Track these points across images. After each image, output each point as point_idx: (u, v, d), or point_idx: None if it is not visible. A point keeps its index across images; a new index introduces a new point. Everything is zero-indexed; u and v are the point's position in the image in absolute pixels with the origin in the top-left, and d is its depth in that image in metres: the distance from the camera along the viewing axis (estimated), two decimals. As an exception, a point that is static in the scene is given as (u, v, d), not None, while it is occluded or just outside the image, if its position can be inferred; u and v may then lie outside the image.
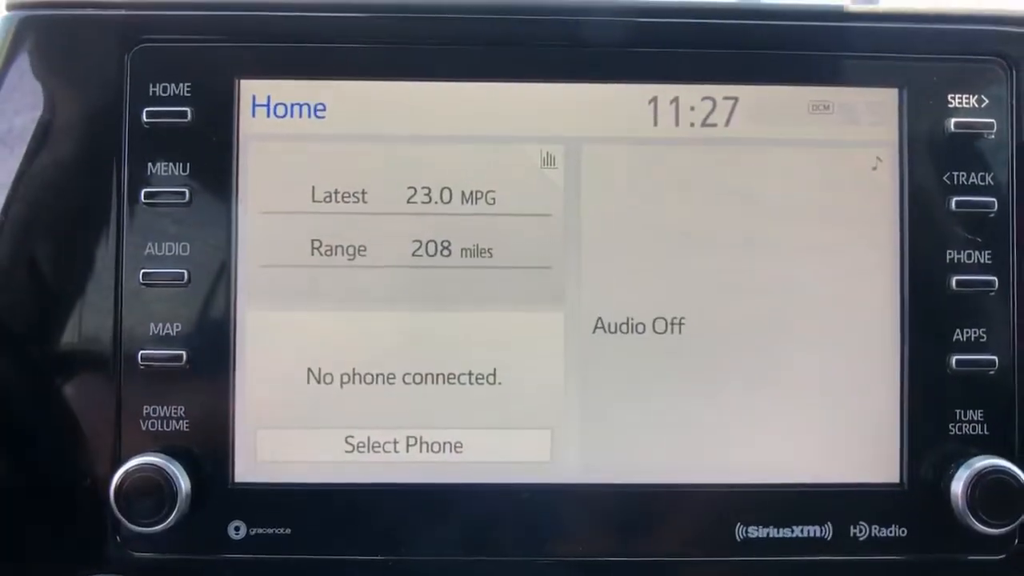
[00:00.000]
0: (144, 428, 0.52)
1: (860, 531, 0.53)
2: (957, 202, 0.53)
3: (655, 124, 0.54)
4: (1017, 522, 0.50)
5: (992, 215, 0.53)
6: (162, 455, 0.50)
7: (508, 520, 0.52)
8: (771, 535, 0.52)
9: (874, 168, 0.54)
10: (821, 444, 0.53)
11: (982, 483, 0.50)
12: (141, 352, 0.52)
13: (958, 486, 0.51)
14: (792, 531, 0.53)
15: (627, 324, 0.53)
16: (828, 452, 0.53)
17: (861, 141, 0.54)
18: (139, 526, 0.49)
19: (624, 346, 0.53)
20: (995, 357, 0.53)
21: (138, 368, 0.52)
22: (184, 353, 0.52)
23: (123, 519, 0.49)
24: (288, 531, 0.52)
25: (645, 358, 0.53)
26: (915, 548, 0.53)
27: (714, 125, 0.54)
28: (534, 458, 0.53)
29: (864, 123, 0.54)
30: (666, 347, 0.53)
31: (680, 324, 0.53)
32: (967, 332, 0.53)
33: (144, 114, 0.52)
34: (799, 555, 0.52)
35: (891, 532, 0.53)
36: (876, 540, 0.53)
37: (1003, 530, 0.50)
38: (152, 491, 0.49)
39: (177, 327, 0.52)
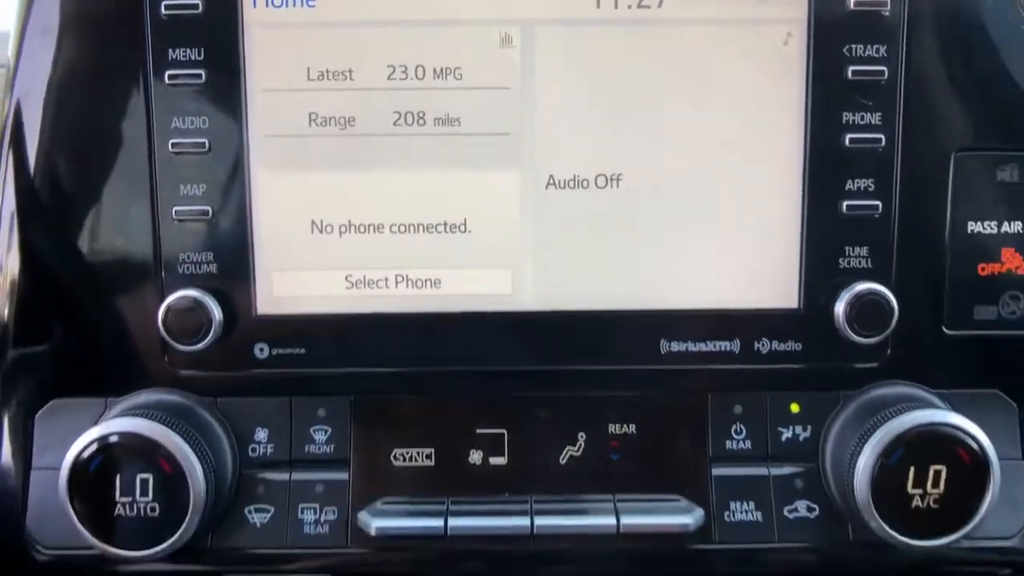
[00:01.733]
0: (181, 271, 0.64)
1: (763, 346, 0.65)
2: (853, 71, 0.62)
3: (598, 7, 0.63)
4: (886, 333, 0.63)
5: (883, 82, 0.63)
6: (197, 290, 0.63)
7: (478, 340, 0.65)
8: (689, 349, 0.65)
9: (785, 43, 0.63)
10: (734, 276, 0.65)
11: (859, 303, 0.62)
12: (175, 208, 0.63)
13: (840, 306, 0.63)
14: (707, 345, 0.65)
15: (574, 180, 0.64)
16: (739, 282, 0.65)
17: (774, 18, 0.63)
18: (183, 345, 0.62)
19: (572, 199, 0.64)
20: (879, 203, 0.63)
21: (172, 221, 0.63)
22: (209, 208, 0.63)
23: (171, 340, 0.62)
24: (302, 351, 0.65)
25: (589, 208, 0.64)
26: (807, 359, 0.65)
27: (648, 7, 0.62)
28: (498, 291, 0.65)
29: (776, 2, 0.63)
30: (606, 199, 0.64)
31: (618, 179, 0.64)
32: (857, 182, 0.64)
33: (162, 7, 0.62)
34: (711, 364, 0.65)
35: (788, 347, 0.65)
36: (776, 353, 0.65)
37: (875, 340, 0.63)
38: (192, 317, 0.62)
39: (202, 187, 0.63)
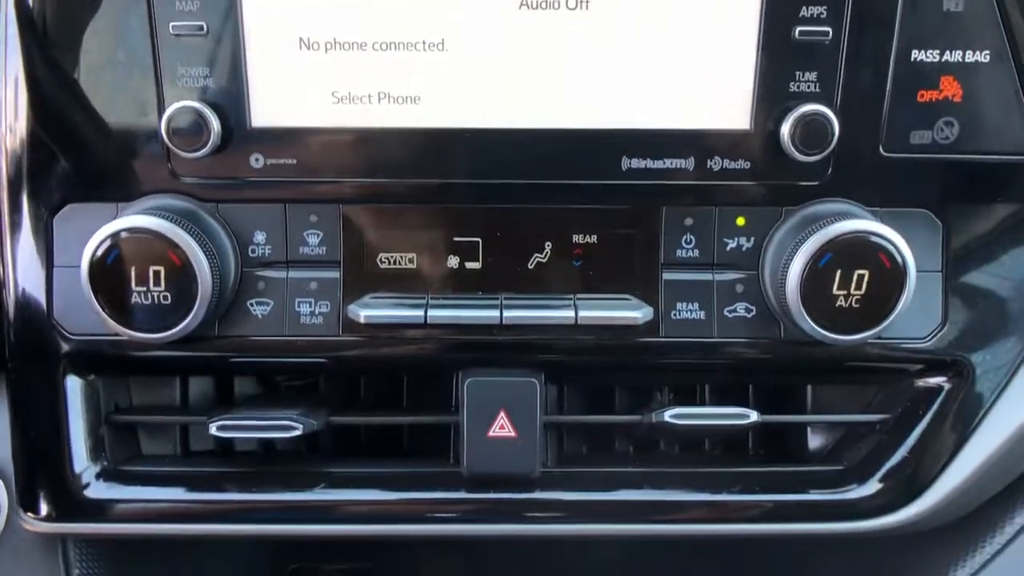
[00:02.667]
0: (179, 85, 0.69)
1: (715, 164, 0.71)
2: None
3: None
4: (826, 152, 0.69)
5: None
6: (196, 102, 0.68)
7: (454, 155, 0.71)
8: (648, 166, 0.71)
9: None
10: (691, 98, 0.70)
11: (803, 122, 0.68)
12: (171, 24, 0.67)
13: (786, 127, 0.68)
14: (664, 163, 0.71)
15: (546, 2, 0.68)
16: (696, 104, 0.70)
17: None
18: (185, 153, 0.68)
19: (543, 19, 0.68)
20: (830, 29, 0.68)
21: (170, 36, 0.67)
22: (204, 24, 0.67)
23: (173, 148, 0.68)
24: (294, 161, 0.71)
25: (560, 28, 0.68)
26: (755, 177, 0.71)
27: None
28: (477, 108, 0.70)
29: None
30: (576, 20, 0.68)
31: (587, 2, 0.68)
32: (811, 9, 0.67)
33: None
34: (667, 180, 0.71)
35: (738, 165, 0.71)
36: (726, 171, 0.71)
37: (816, 158, 0.69)
38: (192, 126, 0.67)
39: (196, 3, 0.66)
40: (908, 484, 0.75)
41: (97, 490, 0.75)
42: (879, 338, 0.73)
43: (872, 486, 0.75)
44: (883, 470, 0.75)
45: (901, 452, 0.75)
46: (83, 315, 0.72)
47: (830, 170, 0.71)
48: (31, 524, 0.75)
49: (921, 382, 0.77)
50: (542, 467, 0.75)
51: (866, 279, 0.69)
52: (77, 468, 0.74)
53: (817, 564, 0.89)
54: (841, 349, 0.74)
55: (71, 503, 0.74)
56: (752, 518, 0.75)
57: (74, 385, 0.75)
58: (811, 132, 0.68)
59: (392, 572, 1.00)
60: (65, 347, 0.74)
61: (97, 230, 0.68)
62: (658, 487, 0.76)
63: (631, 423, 0.77)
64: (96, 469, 0.75)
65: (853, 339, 0.70)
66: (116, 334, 0.72)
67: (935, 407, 0.76)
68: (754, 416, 0.74)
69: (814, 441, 0.83)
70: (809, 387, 0.82)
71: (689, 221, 0.73)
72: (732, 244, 0.74)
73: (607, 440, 0.86)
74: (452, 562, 1.02)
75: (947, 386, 0.76)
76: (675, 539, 0.79)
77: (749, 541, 0.91)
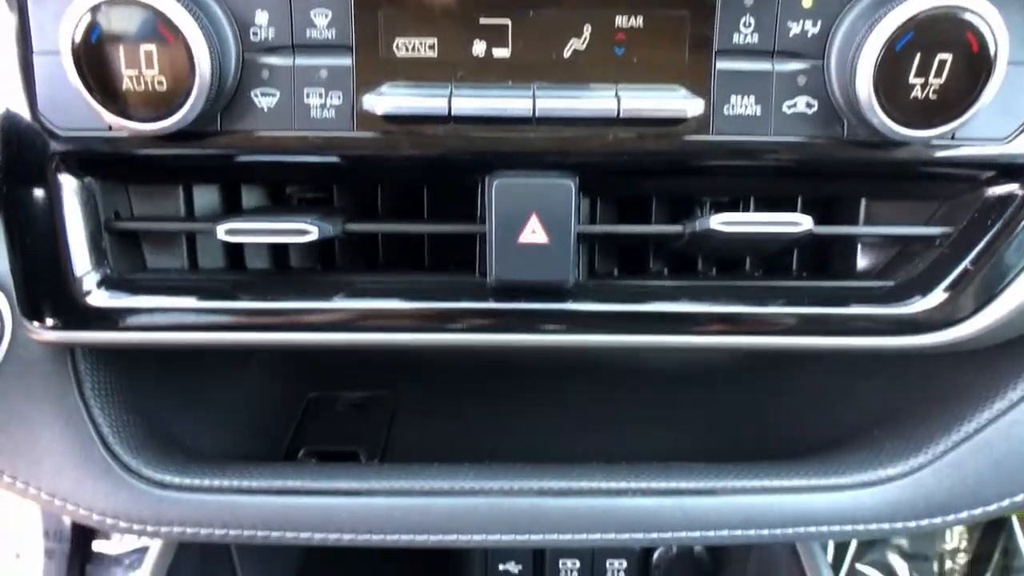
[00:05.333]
0: None
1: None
2: None
3: None
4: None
5: None
6: None
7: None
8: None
9: None
10: None
11: None
12: None
13: None
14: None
15: None
16: None
17: None
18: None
19: None
20: None
21: None
22: None
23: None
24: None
25: None
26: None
27: None
28: None
29: None
30: None
31: None
32: None
33: None
34: None
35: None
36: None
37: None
38: None
39: None
40: (969, 297, 0.69)
41: (102, 298, 0.71)
42: (953, 136, 0.66)
43: (929, 299, 0.70)
44: (943, 283, 0.69)
45: (964, 264, 0.69)
46: (72, 109, 0.65)
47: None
48: (37, 334, 0.72)
49: (992, 190, 0.70)
50: (575, 278, 0.70)
51: (948, 65, 0.61)
52: (79, 274, 0.70)
53: (861, 388, 0.86)
54: (908, 151, 0.67)
55: (75, 311, 0.70)
56: (798, 330, 0.70)
57: (69, 185, 0.69)
58: None
59: (411, 401, 0.98)
60: (55, 145, 0.68)
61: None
62: (696, 299, 0.71)
63: (672, 234, 0.71)
64: (98, 276, 0.71)
65: (926, 135, 0.63)
66: (109, 128, 0.66)
67: (1006, 216, 0.69)
68: (807, 223, 0.68)
69: (864, 260, 0.77)
70: (864, 201, 0.76)
71: (749, 1, 0.65)
72: (796, 29, 0.65)
73: (641, 260, 0.81)
74: (472, 391, 1.00)
75: (1021, 193, 0.70)
76: (712, 351, 0.75)
77: (791, 359, 0.88)
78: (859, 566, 1.85)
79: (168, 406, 0.88)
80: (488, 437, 0.84)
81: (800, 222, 0.68)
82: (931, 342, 0.70)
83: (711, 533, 0.72)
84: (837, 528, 0.71)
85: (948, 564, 1.88)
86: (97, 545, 1.75)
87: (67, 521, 1.70)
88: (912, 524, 0.72)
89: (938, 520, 0.73)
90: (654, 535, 0.71)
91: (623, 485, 0.73)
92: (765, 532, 0.72)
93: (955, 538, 1.90)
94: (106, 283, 0.72)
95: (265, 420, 0.95)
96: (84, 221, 0.71)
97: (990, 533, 1.90)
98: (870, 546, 1.90)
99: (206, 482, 0.75)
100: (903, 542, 1.89)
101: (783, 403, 0.91)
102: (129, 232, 0.75)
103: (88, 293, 0.71)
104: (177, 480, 0.76)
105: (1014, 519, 1.95)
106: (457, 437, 0.87)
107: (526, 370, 1.00)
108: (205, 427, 0.90)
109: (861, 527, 0.72)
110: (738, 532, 0.72)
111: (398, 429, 0.94)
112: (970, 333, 0.70)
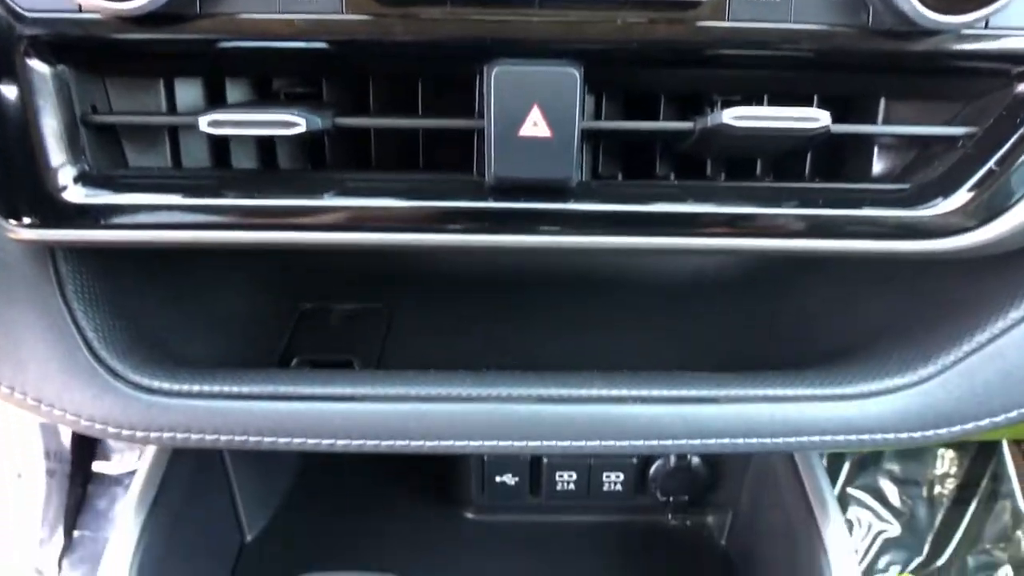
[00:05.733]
0: None
1: None
2: None
3: None
4: None
5: None
6: None
7: None
8: None
9: None
10: None
11: None
12: None
13: None
14: None
15: None
16: None
17: None
18: None
19: None
20: None
21: None
22: None
23: None
24: None
25: None
26: None
27: None
28: None
29: None
30: None
31: None
32: None
33: None
34: None
35: None
36: None
37: None
38: None
39: None
40: (994, 199, 0.66)
41: (79, 194, 0.67)
42: (986, 25, 0.61)
43: (952, 201, 0.66)
44: (966, 184, 0.66)
45: (989, 164, 0.66)
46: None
47: None
48: (13, 232, 0.68)
49: (1022, 87, 0.67)
50: (578, 177, 0.67)
51: (985, -62, 0.56)
52: (54, 167, 0.66)
53: (869, 300, 0.84)
54: (936, 42, 0.63)
55: (52, 208, 0.67)
56: (811, 233, 0.67)
57: (40, 74, 0.64)
58: None
59: (407, 313, 0.96)
60: (22, 28, 0.63)
61: None
62: (704, 200, 0.68)
63: (681, 131, 0.68)
64: (75, 172, 0.67)
65: (958, 21, 0.58)
66: (79, 8, 0.61)
67: (1035, 114, 0.66)
68: (825, 119, 0.64)
69: (880, 164, 0.73)
70: (883, 100, 0.72)
71: None
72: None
73: (647, 165, 0.77)
74: (471, 305, 0.97)
75: (1053, 89, 0.66)
76: (719, 257, 0.73)
77: (797, 270, 0.86)
78: (850, 490, 1.87)
79: (156, 314, 0.85)
80: (487, 349, 0.82)
81: (818, 117, 0.64)
82: (952, 246, 0.67)
83: (712, 441, 0.70)
84: (842, 438, 0.70)
85: (937, 489, 1.90)
86: (97, 466, 1.76)
87: (66, 442, 1.71)
88: (918, 435, 0.71)
89: (944, 431, 0.72)
90: (654, 442, 0.69)
91: (623, 392, 0.71)
92: (767, 441, 0.70)
93: (945, 463, 1.92)
94: (83, 179, 0.68)
95: (257, 331, 0.93)
96: (58, 113, 0.66)
97: (980, 458, 1.92)
98: (861, 470, 1.92)
99: (195, 387, 0.73)
100: (895, 467, 1.92)
101: (788, 315, 0.89)
102: (108, 128, 0.71)
103: (64, 188, 0.67)
104: (166, 386, 0.74)
105: (1004, 445, 1.97)
106: (455, 349, 0.85)
107: (526, 283, 0.97)
108: (195, 337, 0.88)
109: (866, 437, 0.70)
110: (740, 440, 0.71)
111: (394, 340, 0.92)
112: (993, 236, 0.67)
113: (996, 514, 1.89)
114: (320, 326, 0.95)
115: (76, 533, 1.70)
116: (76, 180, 0.67)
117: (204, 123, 0.64)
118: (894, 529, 1.87)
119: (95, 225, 0.68)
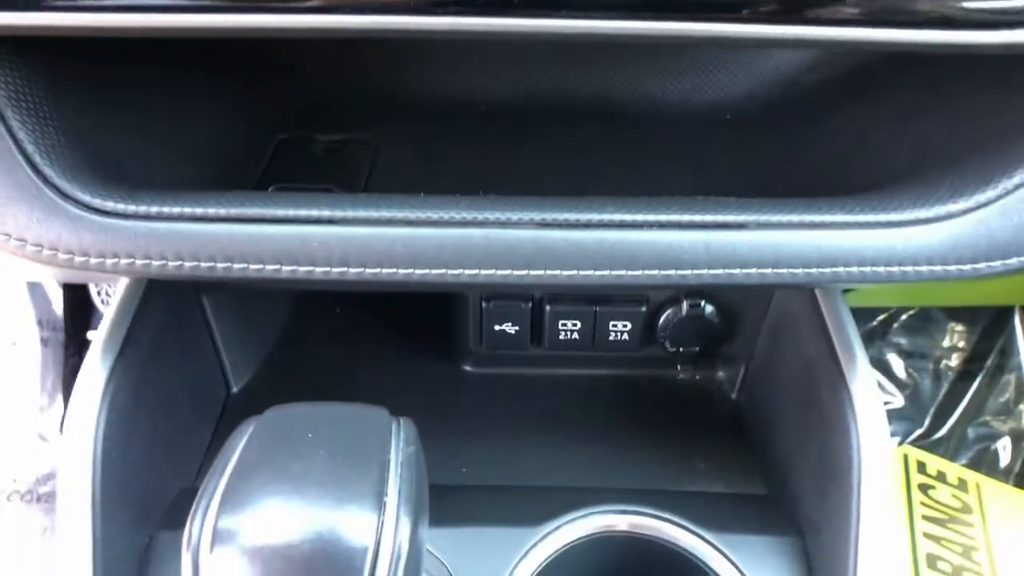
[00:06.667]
0: None
1: None
2: None
3: None
4: None
5: None
6: None
7: None
8: None
9: None
10: None
11: None
12: None
13: None
14: None
15: None
16: None
17: None
18: None
19: None
20: None
21: None
22: None
23: None
24: None
25: None
26: None
27: None
28: None
29: None
30: None
31: None
32: None
33: None
34: None
35: None
36: None
37: None
38: None
39: None
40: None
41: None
42: None
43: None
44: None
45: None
46: None
47: None
48: None
49: None
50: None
51: None
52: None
53: (914, 127, 0.74)
54: None
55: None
56: (876, 21, 0.57)
57: None
58: None
59: (396, 144, 0.86)
60: None
61: None
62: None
63: None
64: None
65: None
66: None
67: None
68: None
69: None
70: None
71: None
72: None
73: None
74: (467, 134, 0.87)
75: None
76: (771, 45, 0.63)
77: (835, 93, 0.76)
78: (856, 363, 1.83)
79: (114, 140, 0.76)
80: (485, 179, 0.73)
81: None
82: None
83: (737, 271, 0.62)
84: (883, 269, 0.62)
85: (944, 362, 1.87)
86: (92, 335, 1.72)
87: (58, 311, 1.67)
88: (968, 268, 0.63)
89: (998, 264, 0.63)
90: (671, 272, 0.62)
91: (638, 217, 0.63)
92: (799, 271, 0.62)
93: (954, 337, 1.88)
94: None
95: (229, 162, 0.83)
96: None
97: (990, 332, 1.88)
98: (868, 343, 1.88)
99: (154, 209, 0.64)
100: (902, 340, 1.87)
101: (823, 147, 0.79)
102: None
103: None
104: (121, 206, 0.65)
105: (1016, 319, 1.92)
106: (451, 177, 0.76)
107: (528, 113, 0.87)
108: (158, 165, 0.78)
109: (910, 269, 0.62)
110: (768, 271, 0.63)
111: (381, 170, 0.83)
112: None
113: (1001, 387, 1.87)
114: (300, 156, 0.85)
115: (74, 399, 1.69)
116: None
117: None
118: (897, 401, 1.84)
119: (27, 6, 0.58)
